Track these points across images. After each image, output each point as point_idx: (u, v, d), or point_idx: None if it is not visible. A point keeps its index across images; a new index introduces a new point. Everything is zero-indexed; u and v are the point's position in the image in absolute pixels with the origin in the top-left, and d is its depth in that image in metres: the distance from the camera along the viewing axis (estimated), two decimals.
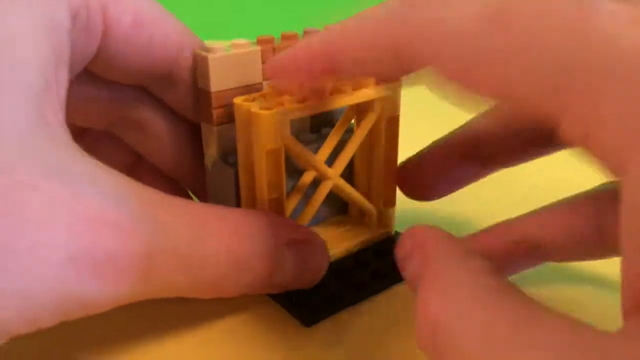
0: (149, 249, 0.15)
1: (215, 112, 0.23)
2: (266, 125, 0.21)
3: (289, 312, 0.22)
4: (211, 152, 0.24)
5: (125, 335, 0.22)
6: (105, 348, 0.21)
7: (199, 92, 0.23)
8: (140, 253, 0.15)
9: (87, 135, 0.25)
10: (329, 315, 0.22)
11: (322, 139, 0.25)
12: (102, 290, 0.15)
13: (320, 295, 0.23)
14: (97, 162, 0.16)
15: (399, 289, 0.24)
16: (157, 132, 0.24)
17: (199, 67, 0.23)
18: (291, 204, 0.24)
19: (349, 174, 0.27)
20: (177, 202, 0.17)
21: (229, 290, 0.19)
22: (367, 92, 0.23)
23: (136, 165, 0.26)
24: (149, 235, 0.15)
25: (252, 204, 0.23)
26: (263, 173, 0.21)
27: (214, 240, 0.17)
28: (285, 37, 0.24)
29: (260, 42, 0.24)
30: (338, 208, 0.27)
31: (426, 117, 0.40)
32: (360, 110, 0.24)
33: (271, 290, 0.21)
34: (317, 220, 0.27)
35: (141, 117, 0.24)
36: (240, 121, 0.22)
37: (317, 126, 0.26)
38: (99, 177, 0.15)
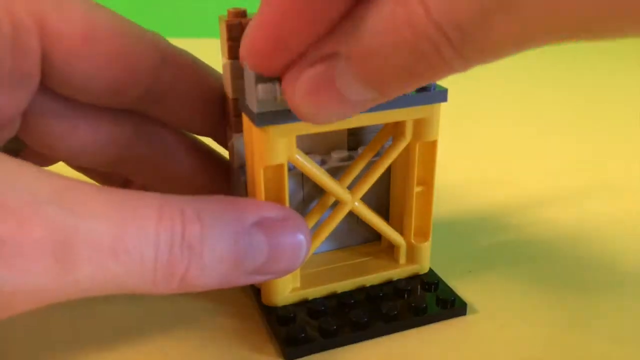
0: (61, 235, 0.14)
1: (234, 120, 0.22)
2: (264, 139, 0.19)
3: (276, 339, 0.21)
4: (231, 158, 0.23)
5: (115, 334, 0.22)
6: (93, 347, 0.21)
7: (224, 96, 0.22)
8: (49, 239, 0.14)
9: None
10: (313, 353, 0.20)
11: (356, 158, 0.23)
12: (6, 278, 0.14)
13: (312, 328, 0.21)
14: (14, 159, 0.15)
15: (407, 334, 0.21)
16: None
17: (223, 71, 0.22)
18: (309, 224, 0.23)
19: (386, 202, 0.24)
20: (105, 189, 0.16)
21: (191, 280, 0.16)
22: (396, 113, 0.21)
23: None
24: (61, 222, 0.14)
25: None
26: (261, 191, 0.20)
27: (151, 223, 0.16)
28: None
29: None
30: (373, 235, 0.25)
31: None
32: (397, 131, 0.22)
33: (244, 280, 0.18)
34: (342, 244, 0.25)
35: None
36: (246, 132, 0.21)
37: (354, 144, 0.24)
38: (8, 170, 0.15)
